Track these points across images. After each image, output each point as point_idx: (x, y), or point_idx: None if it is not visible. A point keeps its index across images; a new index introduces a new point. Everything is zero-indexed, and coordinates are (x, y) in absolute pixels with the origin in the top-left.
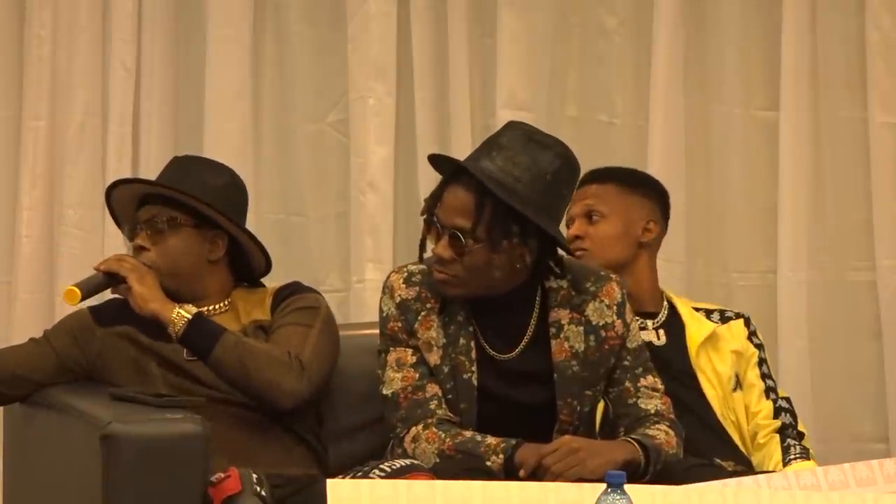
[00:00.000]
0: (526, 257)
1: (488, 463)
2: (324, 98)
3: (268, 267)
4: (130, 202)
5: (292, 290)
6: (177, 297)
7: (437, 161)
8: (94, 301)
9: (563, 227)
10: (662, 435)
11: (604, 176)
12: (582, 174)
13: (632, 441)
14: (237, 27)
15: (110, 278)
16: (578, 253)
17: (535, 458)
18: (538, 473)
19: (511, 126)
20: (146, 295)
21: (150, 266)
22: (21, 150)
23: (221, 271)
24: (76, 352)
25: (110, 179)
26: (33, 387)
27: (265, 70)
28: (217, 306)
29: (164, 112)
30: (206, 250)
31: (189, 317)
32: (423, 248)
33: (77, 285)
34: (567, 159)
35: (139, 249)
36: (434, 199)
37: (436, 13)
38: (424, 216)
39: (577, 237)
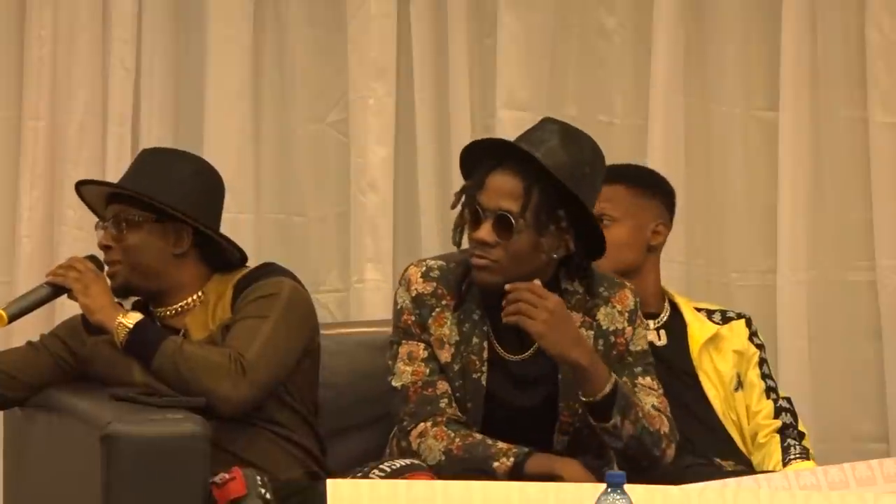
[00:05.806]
0: (570, 244)
1: (496, 463)
2: (324, 98)
3: (243, 257)
4: (100, 200)
5: (252, 279)
6: (149, 294)
7: (470, 151)
8: None
9: None
10: (655, 413)
11: (612, 176)
12: None
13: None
14: (237, 27)
15: (56, 290)
16: None
17: (547, 471)
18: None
19: (546, 121)
20: (90, 306)
21: (112, 265)
22: (21, 150)
23: (191, 263)
24: (70, 358)
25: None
26: (33, 391)
27: (265, 70)
28: (190, 300)
29: (164, 112)
30: (170, 244)
31: (130, 327)
32: (460, 235)
33: (6, 309)
34: (599, 153)
35: (104, 248)
36: (475, 186)
37: (436, 13)
38: (462, 202)
39: None
